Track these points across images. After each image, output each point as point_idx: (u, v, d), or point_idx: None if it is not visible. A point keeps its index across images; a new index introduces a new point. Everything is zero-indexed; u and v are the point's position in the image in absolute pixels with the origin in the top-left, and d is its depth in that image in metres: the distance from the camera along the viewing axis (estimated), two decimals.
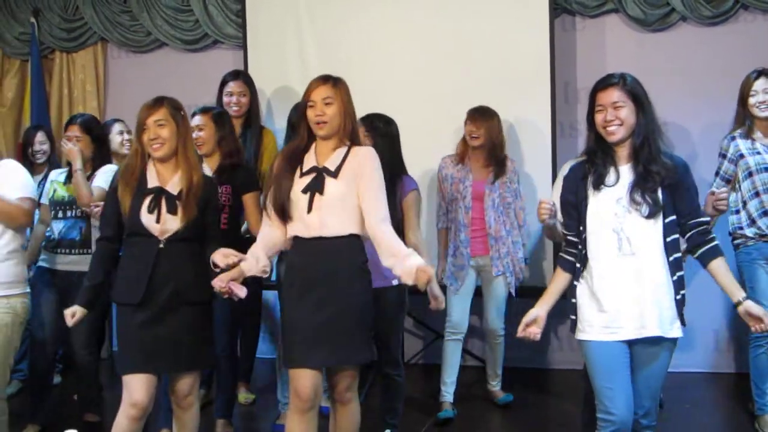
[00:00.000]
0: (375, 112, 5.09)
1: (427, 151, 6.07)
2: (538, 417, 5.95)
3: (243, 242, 5.27)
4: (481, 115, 5.81)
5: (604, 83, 3.81)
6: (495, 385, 6.08)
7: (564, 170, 4.28)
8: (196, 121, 5.25)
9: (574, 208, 3.86)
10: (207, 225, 4.36)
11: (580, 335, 3.85)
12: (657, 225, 3.73)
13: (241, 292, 4.15)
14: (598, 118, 3.78)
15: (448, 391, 5.84)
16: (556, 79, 6.41)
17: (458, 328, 5.83)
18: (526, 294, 6.18)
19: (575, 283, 3.88)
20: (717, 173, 5.51)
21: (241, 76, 6.25)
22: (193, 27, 7.50)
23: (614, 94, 3.75)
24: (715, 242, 3.79)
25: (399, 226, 4.90)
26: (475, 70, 6.46)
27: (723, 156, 5.47)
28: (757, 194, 5.34)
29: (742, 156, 5.36)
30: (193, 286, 4.26)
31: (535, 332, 3.85)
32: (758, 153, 5.34)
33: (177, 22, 7.53)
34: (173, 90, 6.96)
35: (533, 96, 6.39)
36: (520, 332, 3.86)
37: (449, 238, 5.89)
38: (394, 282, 4.88)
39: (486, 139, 5.78)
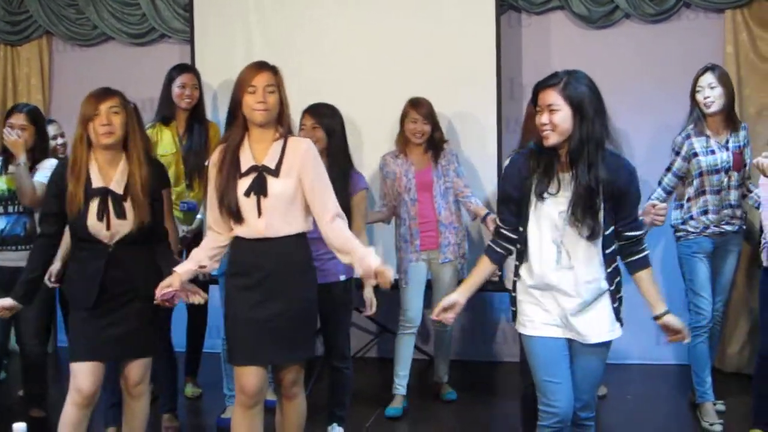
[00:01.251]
0: (320, 102, 5.09)
1: (373, 146, 6.11)
2: (486, 410, 6.02)
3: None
4: (423, 105, 5.79)
5: (543, 83, 3.64)
6: (443, 377, 6.12)
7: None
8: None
9: (516, 204, 3.76)
10: (155, 219, 4.31)
11: (521, 329, 3.85)
12: (598, 241, 3.69)
13: (177, 300, 4.17)
14: (537, 119, 3.66)
15: (401, 384, 5.86)
16: (502, 74, 6.44)
17: (413, 323, 5.85)
18: None
19: (514, 278, 3.86)
20: (669, 169, 5.52)
21: (191, 69, 6.23)
22: (140, 21, 7.45)
23: (550, 96, 3.58)
24: (646, 253, 3.78)
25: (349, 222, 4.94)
26: (421, 66, 6.48)
27: (677, 153, 5.47)
28: (703, 193, 5.42)
29: (695, 154, 5.39)
30: (146, 282, 4.22)
31: (449, 318, 3.81)
32: (712, 152, 5.38)
33: (123, 16, 7.47)
34: (119, 84, 6.85)
35: (479, 91, 6.43)
36: (435, 315, 3.81)
37: (395, 236, 5.89)
38: (342, 277, 4.93)
39: (429, 132, 5.77)
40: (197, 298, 4.21)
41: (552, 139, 3.60)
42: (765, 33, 6.43)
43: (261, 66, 4.10)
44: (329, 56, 6.66)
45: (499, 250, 3.86)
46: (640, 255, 3.76)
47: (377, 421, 5.73)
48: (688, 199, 5.49)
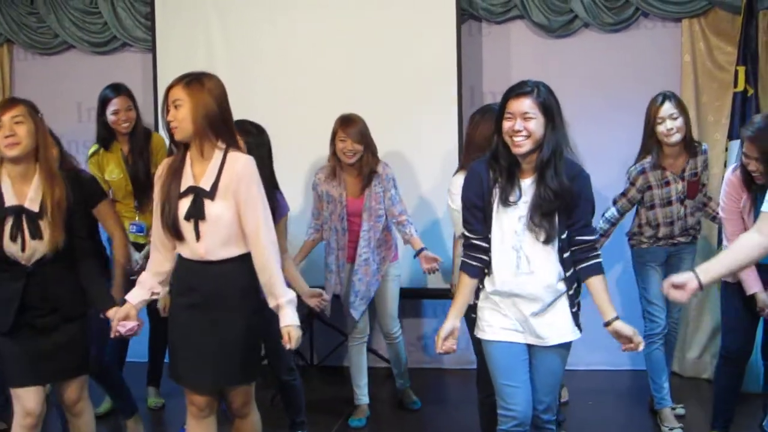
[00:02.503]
0: (245, 119, 4.85)
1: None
2: (450, 417, 6.05)
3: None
4: (354, 123, 5.61)
5: (517, 91, 3.70)
6: (403, 383, 6.13)
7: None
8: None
9: (481, 210, 3.80)
10: (75, 235, 4.20)
11: (481, 334, 3.90)
12: (554, 245, 3.75)
13: (130, 329, 4.09)
14: (506, 125, 3.69)
15: (363, 393, 5.87)
16: (463, 83, 6.49)
17: (363, 333, 5.84)
18: (431, 295, 6.31)
19: (479, 285, 3.91)
20: (624, 195, 5.50)
21: (122, 90, 5.96)
22: (101, 29, 7.41)
23: (525, 104, 3.65)
24: (599, 260, 3.82)
25: None
26: (383, 74, 6.53)
27: (632, 184, 5.45)
28: (657, 226, 5.47)
29: (650, 188, 5.39)
30: (70, 303, 4.19)
31: (452, 346, 3.82)
32: (667, 183, 5.38)
33: (85, 24, 7.44)
34: (81, 93, 7.05)
35: (440, 100, 6.46)
36: (439, 348, 3.81)
37: (327, 252, 5.75)
38: None
39: (361, 152, 5.58)
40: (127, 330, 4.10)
41: (526, 146, 3.67)
42: (722, 42, 6.51)
43: (176, 80, 3.92)
44: (292, 65, 6.68)
45: (474, 263, 3.86)
46: (593, 261, 3.81)
47: (341, 431, 5.75)
48: (640, 224, 5.55)
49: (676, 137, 5.27)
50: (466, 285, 3.87)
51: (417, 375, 6.52)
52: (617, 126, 6.51)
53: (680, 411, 5.76)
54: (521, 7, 6.73)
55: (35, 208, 4.06)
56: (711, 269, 3.62)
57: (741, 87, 6.09)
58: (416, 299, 6.66)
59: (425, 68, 6.49)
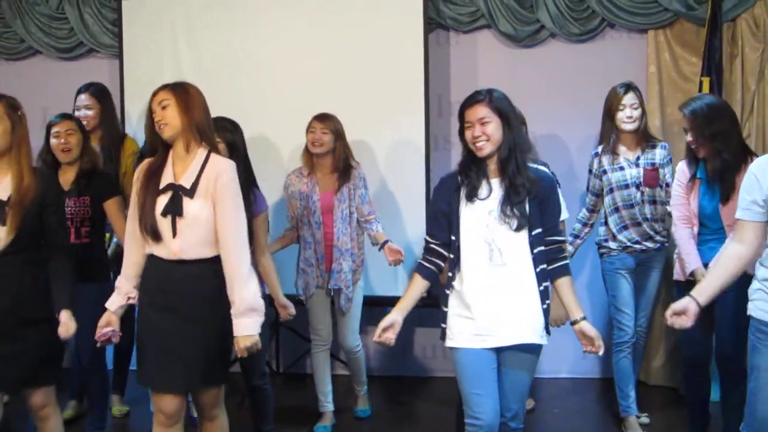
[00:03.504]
0: (220, 116, 4.89)
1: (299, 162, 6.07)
2: (412, 426, 6.04)
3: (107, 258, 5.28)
4: (327, 118, 5.71)
5: (471, 100, 3.91)
6: (360, 391, 6.12)
7: None
8: (65, 126, 5.19)
9: (446, 216, 3.94)
10: (47, 230, 4.26)
11: (449, 342, 3.94)
12: (524, 237, 3.85)
13: (117, 337, 4.13)
14: (468, 134, 3.89)
15: (327, 401, 5.86)
16: (430, 92, 6.51)
17: (325, 340, 5.83)
18: (393, 303, 6.30)
19: (446, 291, 3.96)
20: (587, 189, 5.72)
21: (90, 89, 6.08)
22: (68, 35, 7.37)
23: (481, 111, 3.85)
24: (566, 261, 3.96)
25: (250, 241, 4.92)
26: (350, 83, 6.52)
27: (590, 172, 5.69)
28: (617, 209, 5.56)
29: (605, 172, 5.57)
30: (31, 303, 4.19)
31: (390, 338, 3.89)
32: (621, 169, 5.54)
33: (51, 30, 7.40)
34: (47, 98, 7.00)
35: (408, 109, 6.47)
36: (376, 337, 3.90)
37: (298, 261, 5.78)
38: None
39: (331, 144, 5.66)
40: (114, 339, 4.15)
41: (487, 149, 3.87)
42: (687, 53, 6.58)
43: (156, 89, 4.12)
44: (258, 72, 6.68)
45: (429, 266, 4.01)
46: (561, 263, 3.94)
47: None
48: (605, 217, 5.63)
49: (634, 125, 5.54)
50: (416, 284, 4.02)
51: (384, 383, 6.54)
52: (583, 135, 6.56)
53: (645, 420, 5.78)
54: (488, 17, 6.76)
55: (4, 197, 4.15)
56: (706, 289, 3.85)
57: None
58: (385, 307, 6.64)
59: (393, 77, 6.50)
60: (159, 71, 6.74)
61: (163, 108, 4.02)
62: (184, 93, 4.06)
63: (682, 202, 4.93)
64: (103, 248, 5.33)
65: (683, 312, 3.81)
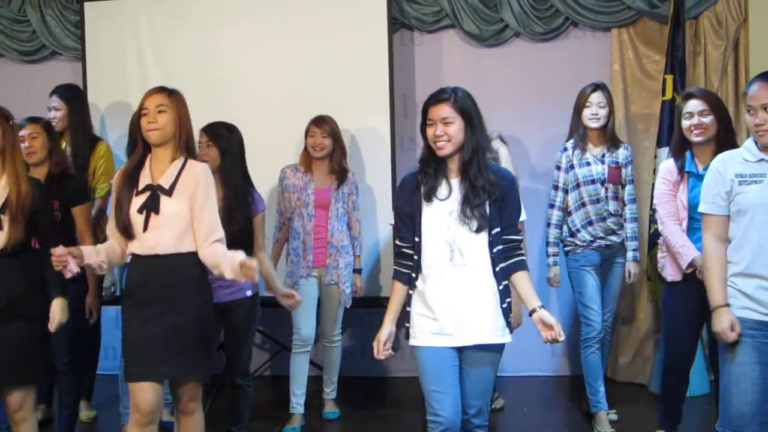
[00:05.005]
0: (217, 121, 5.10)
1: (269, 163, 6.03)
2: (379, 426, 6.03)
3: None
4: (325, 122, 5.80)
5: (435, 98, 3.88)
6: (329, 393, 6.11)
7: None
8: (29, 130, 5.16)
9: (410, 218, 3.92)
10: (40, 233, 4.31)
11: (413, 341, 3.95)
12: (484, 238, 3.85)
13: (75, 267, 4.07)
14: (429, 132, 3.87)
15: (299, 402, 5.84)
16: (395, 92, 6.51)
17: (306, 342, 5.81)
18: (361, 304, 6.31)
19: (410, 291, 3.96)
20: (556, 187, 5.69)
21: (58, 91, 6.07)
22: (30, 38, 7.32)
23: (444, 110, 3.83)
24: (522, 258, 3.94)
25: (249, 239, 4.96)
26: (315, 83, 6.51)
27: (558, 168, 5.69)
28: (583, 204, 5.59)
29: (572, 167, 5.60)
30: (26, 298, 4.21)
31: (390, 352, 3.93)
32: (588, 164, 5.58)
33: (13, 33, 7.34)
34: (10, 101, 6.78)
35: (373, 109, 6.48)
36: (379, 354, 3.90)
37: (288, 249, 5.87)
38: (248, 293, 4.95)
39: (331, 147, 5.78)
40: (73, 267, 4.09)
41: (447, 149, 3.85)
42: (650, 51, 6.63)
43: (154, 89, 4.24)
44: (223, 75, 6.65)
45: (404, 270, 3.98)
46: (518, 258, 3.93)
47: None
48: (570, 213, 5.64)
49: (599, 123, 5.58)
50: (398, 291, 3.99)
51: (352, 384, 6.56)
52: (547, 134, 6.57)
53: (613, 416, 5.80)
54: (452, 17, 6.78)
55: None
56: (716, 292, 3.93)
57: (669, 95, 6.19)
58: (369, 308, 6.65)
59: (358, 77, 6.50)
60: (122, 73, 6.73)
61: (160, 112, 4.13)
62: (179, 100, 4.22)
63: (668, 200, 4.85)
64: None
65: (729, 328, 3.86)
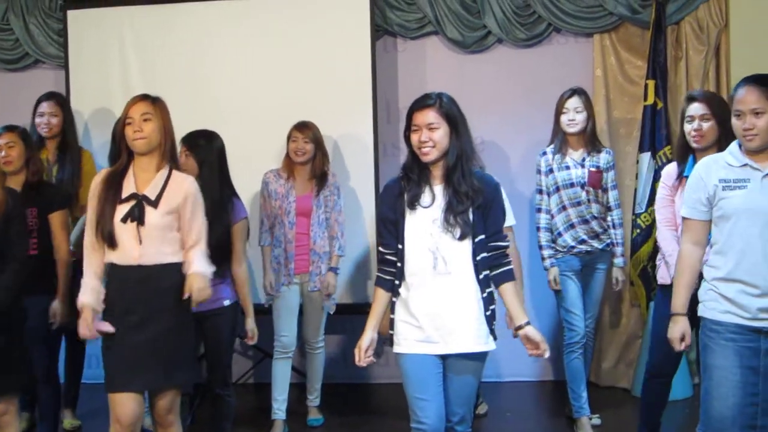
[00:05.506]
0: (196, 130, 5.09)
1: (251, 169, 6.03)
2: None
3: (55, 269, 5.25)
4: (307, 127, 5.80)
5: (421, 104, 3.86)
6: (313, 400, 6.10)
7: None
8: (5, 139, 5.16)
9: (394, 224, 3.91)
10: (10, 242, 4.31)
11: (396, 348, 3.94)
12: (468, 245, 3.83)
13: (107, 327, 4.10)
14: (414, 138, 3.84)
15: (280, 408, 5.83)
16: (378, 98, 6.53)
17: (288, 348, 5.82)
18: (346, 311, 6.32)
19: (393, 299, 3.95)
20: (540, 191, 5.71)
21: (54, 97, 6.15)
22: (14, 46, 7.29)
23: (429, 116, 3.80)
24: (509, 267, 3.92)
25: (227, 249, 4.95)
26: (299, 90, 6.51)
27: (539, 172, 5.71)
28: (564, 208, 5.60)
29: (551, 170, 5.62)
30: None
31: (372, 358, 3.92)
32: (567, 168, 5.60)
33: None
34: None
35: (356, 115, 6.48)
36: (360, 361, 3.89)
37: (273, 246, 5.83)
38: (226, 302, 4.93)
39: (312, 153, 5.79)
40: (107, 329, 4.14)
41: (432, 155, 3.82)
42: (632, 56, 6.66)
43: (137, 98, 4.23)
44: (207, 81, 6.66)
45: (387, 277, 3.96)
46: (505, 268, 3.91)
47: None
48: (553, 216, 5.66)
49: (576, 128, 5.59)
50: (380, 298, 3.98)
51: (336, 390, 6.57)
52: (530, 140, 6.58)
53: (596, 421, 5.81)
54: (435, 23, 6.79)
55: None
56: (679, 298, 3.99)
57: (651, 100, 6.23)
58: (349, 315, 6.65)
59: (341, 84, 6.51)
60: (106, 81, 6.72)
61: (145, 120, 4.13)
62: (164, 109, 4.23)
63: (666, 205, 4.79)
64: (51, 260, 5.28)
65: (684, 334, 3.95)
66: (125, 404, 4.10)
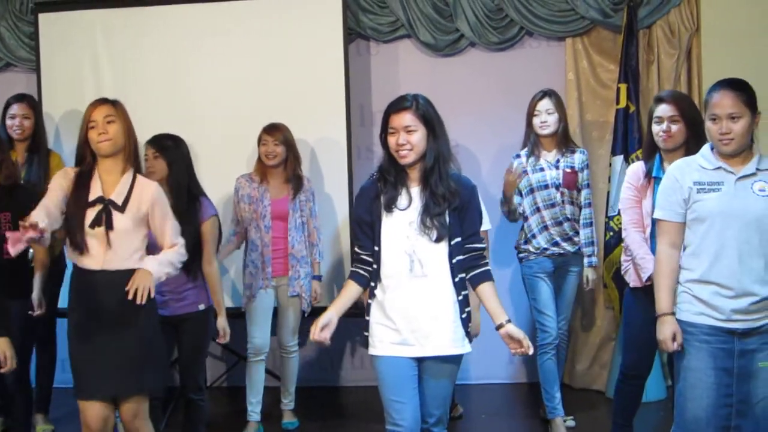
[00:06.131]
0: (161, 133, 5.09)
1: (224, 173, 6.06)
2: None
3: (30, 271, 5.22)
4: (277, 130, 5.80)
5: (397, 106, 3.84)
6: (287, 404, 6.09)
7: None
8: None
9: (370, 227, 3.90)
10: None
11: (372, 350, 3.94)
12: (444, 248, 3.84)
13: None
14: (391, 141, 3.83)
15: (255, 410, 5.86)
16: (351, 102, 6.51)
17: (260, 351, 5.83)
18: (320, 313, 6.30)
19: (369, 300, 3.95)
20: (519, 193, 5.71)
21: (25, 99, 6.12)
22: None
23: (407, 118, 3.80)
24: (487, 267, 3.92)
25: (199, 248, 4.93)
26: (272, 93, 6.49)
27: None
28: (538, 210, 5.64)
29: (525, 172, 5.64)
30: None
31: (326, 337, 3.83)
32: (541, 170, 5.64)
33: None
34: None
35: (330, 119, 6.46)
36: (314, 336, 3.82)
37: (246, 261, 5.84)
38: (200, 306, 4.93)
39: (284, 155, 5.78)
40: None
41: (410, 158, 3.82)
42: (604, 60, 6.69)
43: (98, 102, 4.24)
44: (179, 85, 6.62)
45: (362, 272, 3.95)
46: (483, 269, 3.91)
47: None
48: (526, 218, 5.69)
49: (548, 130, 5.65)
50: (350, 287, 3.96)
51: (312, 393, 6.56)
52: (503, 143, 6.60)
53: (571, 423, 5.84)
54: (408, 27, 6.80)
55: None
56: (663, 300, 3.96)
57: (623, 104, 6.27)
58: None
59: (314, 87, 6.48)
60: (78, 85, 6.66)
61: (109, 123, 4.14)
62: (125, 113, 4.24)
63: (633, 206, 4.73)
64: (26, 264, 5.25)
65: (670, 336, 3.91)
66: (94, 409, 4.12)
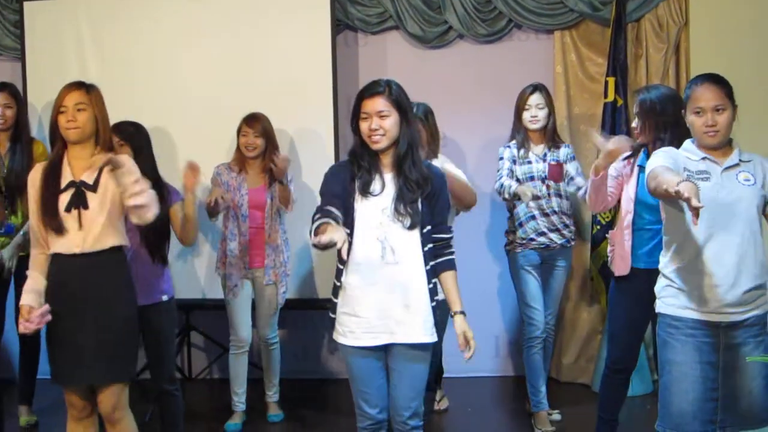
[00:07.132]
0: (122, 120, 5.00)
1: (210, 161, 5.93)
2: (323, 428, 6.03)
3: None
4: (257, 120, 5.77)
5: (370, 91, 3.84)
6: (272, 396, 6.08)
7: None
8: None
9: (338, 198, 3.76)
10: None
11: (340, 339, 3.92)
12: (417, 235, 3.83)
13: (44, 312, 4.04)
14: (363, 126, 3.82)
15: (240, 401, 5.88)
16: (339, 93, 6.48)
17: (243, 342, 5.83)
18: (298, 306, 6.31)
19: (337, 283, 3.92)
20: (507, 176, 5.64)
21: (7, 88, 6.07)
22: None
23: (379, 103, 3.79)
24: (452, 257, 3.95)
25: (166, 232, 4.99)
26: (259, 84, 6.46)
27: (501, 158, 5.72)
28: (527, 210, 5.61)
29: (514, 163, 5.63)
30: None
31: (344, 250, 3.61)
32: (528, 162, 5.64)
33: None
34: None
35: (317, 110, 6.44)
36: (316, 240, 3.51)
37: (224, 251, 5.80)
38: (164, 297, 4.91)
39: (263, 147, 5.76)
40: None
41: (382, 143, 3.82)
42: (592, 53, 6.67)
43: (71, 86, 4.21)
44: (165, 74, 6.60)
45: (334, 211, 3.69)
46: (447, 257, 3.94)
47: None
48: (514, 206, 5.68)
49: (538, 124, 5.66)
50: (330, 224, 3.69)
51: (295, 385, 6.56)
52: (490, 135, 6.55)
53: (556, 416, 5.84)
54: (396, 18, 6.78)
55: None
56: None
57: (611, 97, 6.27)
58: (304, 310, 6.63)
59: (301, 78, 6.46)
60: (63, 73, 6.54)
61: (79, 110, 4.12)
62: (98, 97, 4.20)
63: (607, 183, 4.62)
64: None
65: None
66: (74, 393, 4.19)
